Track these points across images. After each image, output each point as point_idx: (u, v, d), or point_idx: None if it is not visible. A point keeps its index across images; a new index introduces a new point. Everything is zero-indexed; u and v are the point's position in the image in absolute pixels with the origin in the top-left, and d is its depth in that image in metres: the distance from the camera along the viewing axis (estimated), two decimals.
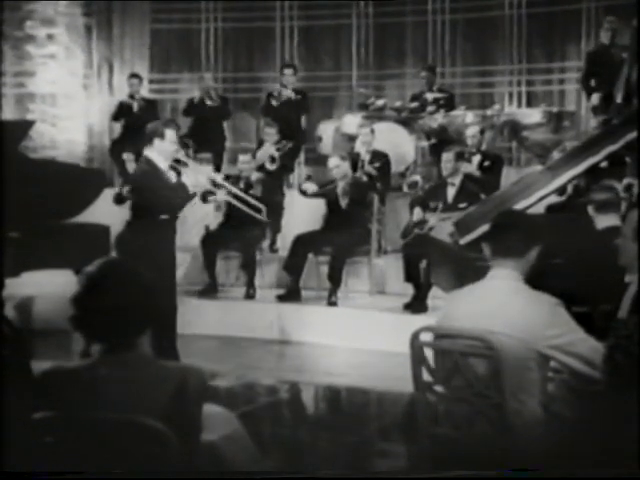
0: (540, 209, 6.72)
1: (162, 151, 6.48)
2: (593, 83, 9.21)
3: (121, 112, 11.12)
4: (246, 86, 12.31)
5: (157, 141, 6.46)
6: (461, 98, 10.88)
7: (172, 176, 6.55)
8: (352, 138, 9.91)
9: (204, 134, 10.49)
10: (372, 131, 9.32)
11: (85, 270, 2.73)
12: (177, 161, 6.73)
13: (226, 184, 7.69)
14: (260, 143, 10.22)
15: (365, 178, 8.85)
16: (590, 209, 5.01)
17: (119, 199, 8.89)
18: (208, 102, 10.83)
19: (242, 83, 12.32)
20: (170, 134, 6.48)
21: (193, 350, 6.92)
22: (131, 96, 11.15)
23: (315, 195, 8.89)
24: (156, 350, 6.38)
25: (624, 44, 9.04)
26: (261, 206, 8.07)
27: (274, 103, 10.60)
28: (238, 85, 12.30)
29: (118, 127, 11.25)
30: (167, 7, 12.17)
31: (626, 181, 6.57)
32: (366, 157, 9.17)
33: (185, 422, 2.65)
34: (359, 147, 9.34)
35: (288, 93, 10.49)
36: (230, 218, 8.80)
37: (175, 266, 6.79)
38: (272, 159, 9.67)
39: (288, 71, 10.74)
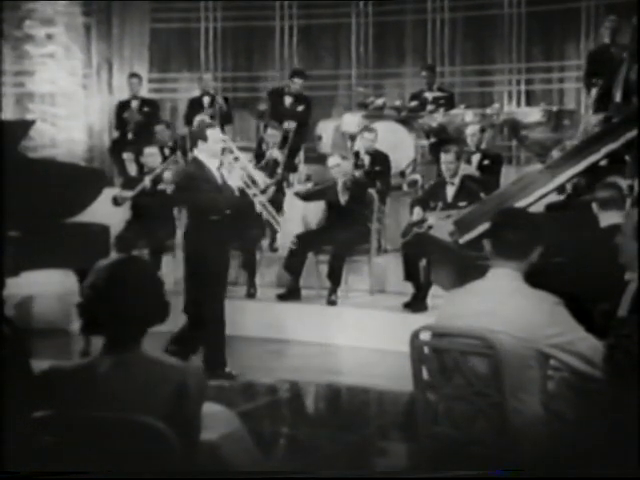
0: (540, 208, 6.72)
1: (208, 152, 6.59)
2: (594, 82, 9.20)
3: (121, 113, 11.12)
4: (245, 85, 12.30)
5: (200, 143, 6.57)
6: (461, 97, 10.88)
7: (219, 176, 6.62)
8: (352, 137, 9.91)
9: None
10: (376, 135, 9.30)
11: (100, 263, 2.73)
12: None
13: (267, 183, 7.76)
14: (260, 142, 10.21)
15: (364, 178, 8.85)
16: (594, 206, 5.01)
17: (116, 201, 8.91)
18: (207, 101, 10.85)
19: (241, 82, 12.32)
20: (212, 134, 6.59)
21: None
22: (131, 96, 11.17)
23: (314, 196, 8.90)
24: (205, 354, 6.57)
25: (624, 43, 9.05)
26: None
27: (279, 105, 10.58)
28: (237, 84, 12.30)
29: (118, 126, 11.25)
30: (166, 6, 12.16)
31: (628, 182, 6.56)
32: (366, 158, 9.16)
33: (185, 421, 2.65)
34: (359, 146, 9.33)
35: (291, 125, 10.38)
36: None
37: (226, 268, 6.84)
38: (275, 162, 9.66)
39: (298, 80, 10.70)
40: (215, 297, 6.65)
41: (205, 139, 6.55)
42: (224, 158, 6.86)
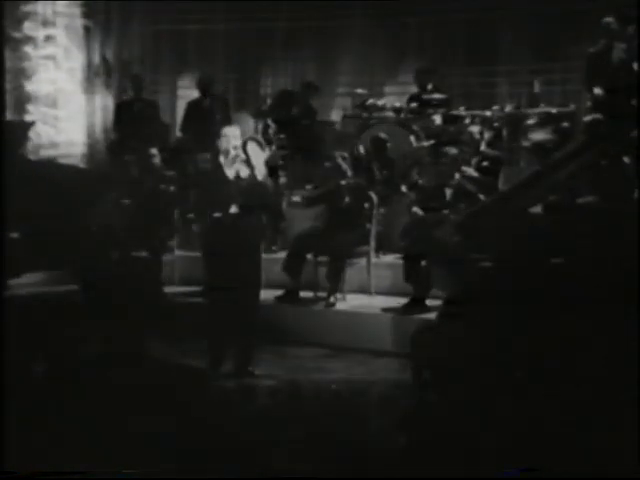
0: (538, 209, 6.72)
1: (222, 150, 6.75)
2: (594, 83, 9.21)
3: (121, 114, 11.12)
4: (246, 87, 12.31)
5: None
6: (461, 98, 10.87)
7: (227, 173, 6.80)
8: (352, 138, 9.92)
9: (202, 135, 10.49)
10: (386, 144, 9.36)
11: (103, 265, 2.76)
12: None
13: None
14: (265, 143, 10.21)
15: (365, 180, 8.87)
16: None
17: (118, 203, 8.91)
18: (206, 103, 10.86)
19: (241, 84, 12.32)
20: (227, 131, 6.80)
21: (193, 351, 6.92)
22: (131, 97, 11.17)
23: (317, 201, 8.91)
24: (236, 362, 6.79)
25: (623, 44, 9.05)
26: None
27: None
28: (238, 85, 12.30)
29: (117, 128, 11.25)
30: (166, 7, 12.15)
31: None
32: (375, 165, 9.21)
33: None
34: (365, 151, 9.37)
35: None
36: None
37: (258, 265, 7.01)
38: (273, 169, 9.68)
39: (312, 93, 10.73)
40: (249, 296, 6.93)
41: (219, 136, 6.75)
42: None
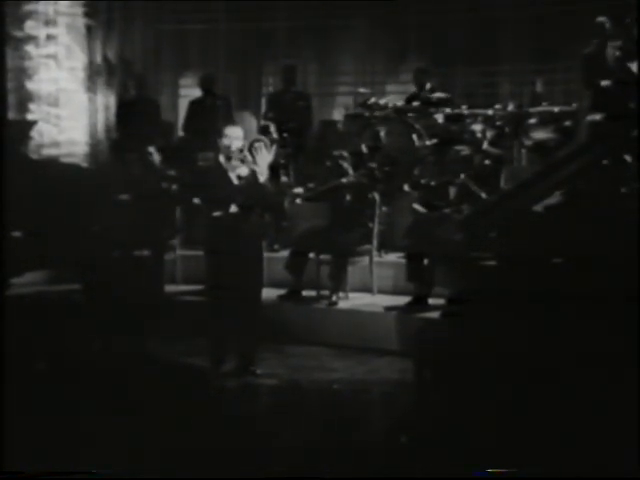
0: (539, 209, 6.71)
1: (224, 151, 6.93)
2: (591, 83, 9.20)
3: (123, 113, 11.12)
4: (247, 87, 12.31)
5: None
6: (463, 98, 10.86)
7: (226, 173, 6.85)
8: (352, 137, 9.91)
9: (204, 134, 10.49)
10: (382, 140, 9.37)
11: (105, 263, 2.76)
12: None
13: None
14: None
15: (366, 179, 8.87)
16: None
17: (118, 202, 8.91)
18: (208, 102, 10.85)
19: (243, 83, 12.32)
20: (229, 132, 6.96)
21: (194, 349, 6.93)
22: (132, 97, 11.17)
23: (318, 197, 8.91)
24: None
25: (619, 43, 9.04)
26: None
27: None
28: (239, 85, 12.30)
29: (119, 127, 11.26)
30: (168, 7, 12.16)
31: None
32: (374, 162, 9.21)
33: None
34: (366, 150, 9.38)
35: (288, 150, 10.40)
36: None
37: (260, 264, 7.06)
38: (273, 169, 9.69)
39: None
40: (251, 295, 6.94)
41: (220, 135, 6.80)
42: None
